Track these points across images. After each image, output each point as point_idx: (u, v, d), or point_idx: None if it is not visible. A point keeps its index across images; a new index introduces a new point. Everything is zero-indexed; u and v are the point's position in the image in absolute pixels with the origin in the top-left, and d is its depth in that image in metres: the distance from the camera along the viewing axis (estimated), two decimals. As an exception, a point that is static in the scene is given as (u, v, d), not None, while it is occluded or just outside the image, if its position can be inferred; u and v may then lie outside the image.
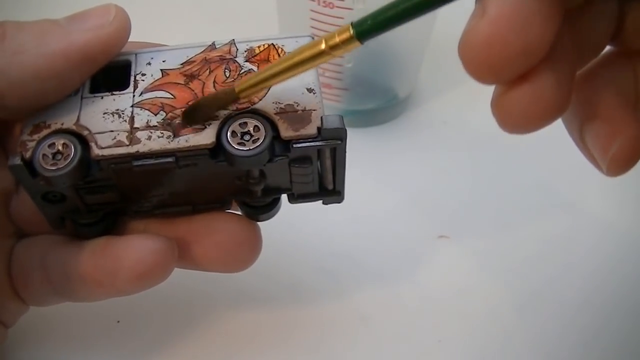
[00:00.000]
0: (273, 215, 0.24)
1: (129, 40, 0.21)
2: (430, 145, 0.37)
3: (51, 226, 0.23)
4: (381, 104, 0.37)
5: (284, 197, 0.24)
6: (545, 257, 0.32)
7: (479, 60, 0.16)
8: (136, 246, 0.22)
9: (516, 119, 0.18)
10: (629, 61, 0.20)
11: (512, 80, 0.17)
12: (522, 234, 0.32)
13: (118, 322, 0.29)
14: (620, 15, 0.19)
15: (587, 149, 0.20)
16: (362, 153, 0.33)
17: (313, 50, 0.18)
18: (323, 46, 0.18)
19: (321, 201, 0.24)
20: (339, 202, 0.24)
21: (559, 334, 0.29)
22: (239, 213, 0.24)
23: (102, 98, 0.21)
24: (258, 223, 0.24)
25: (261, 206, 0.24)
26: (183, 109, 0.21)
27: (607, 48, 0.21)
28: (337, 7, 0.31)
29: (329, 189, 0.23)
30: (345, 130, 0.20)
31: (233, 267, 0.24)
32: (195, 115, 0.21)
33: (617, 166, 0.19)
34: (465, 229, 0.33)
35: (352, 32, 0.17)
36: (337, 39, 0.18)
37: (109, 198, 0.22)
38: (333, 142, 0.20)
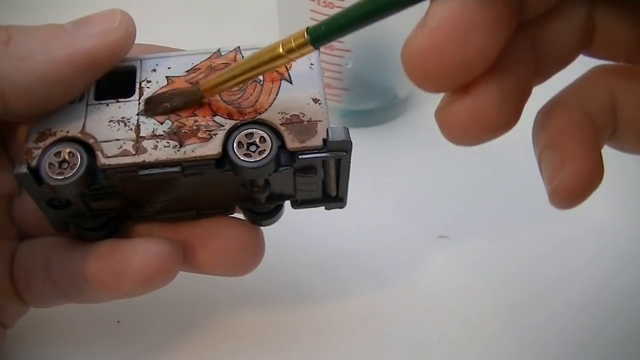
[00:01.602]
0: (276, 221, 0.24)
1: (137, 41, 0.21)
2: (430, 146, 0.37)
3: (55, 230, 0.23)
4: (381, 104, 0.37)
5: (287, 202, 0.24)
6: (545, 257, 0.32)
7: (417, 71, 0.16)
8: (142, 249, 0.22)
9: (456, 132, 0.17)
10: (604, 81, 0.19)
11: (454, 90, 0.17)
12: (522, 234, 0.33)
13: (118, 322, 0.29)
14: (588, 22, 0.18)
15: (541, 175, 0.19)
16: (362, 153, 0.33)
17: (271, 53, 0.19)
18: (280, 50, 0.18)
19: (324, 207, 0.24)
20: (342, 208, 0.24)
21: (558, 334, 0.29)
22: (243, 218, 0.24)
23: (107, 105, 0.21)
24: (261, 228, 0.24)
25: (264, 212, 0.24)
26: (146, 98, 0.21)
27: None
28: (337, 7, 0.31)
29: (332, 196, 0.23)
30: (351, 142, 0.20)
31: (236, 272, 0.24)
32: (154, 106, 0.21)
33: (558, 198, 0.18)
34: (465, 229, 0.33)
35: (306, 37, 0.18)
36: (292, 44, 0.18)
37: (114, 204, 0.22)
38: (338, 153, 0.20)
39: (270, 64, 0.19)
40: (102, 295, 0.23)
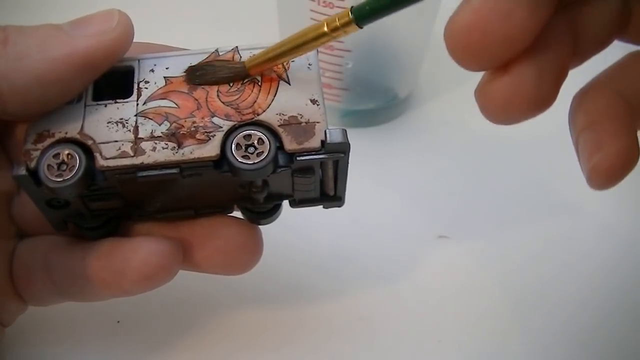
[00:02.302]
0: (274, 220, 0.24)
1: (135, 40, 0.21)
2: (430, 145, 0.37)
3: (54, 229, 0.23)
4: (381, 104, 0.37)
5: (285, 201, 0.24)
6: (545, 257, 0.32)
7: (460, 47, 0.17)
8: (143, 248, 0.22)
9: (495, 110, 0.18)
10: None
11: (495, 68, 0.17)
12: (522, 234, 0.33)
13: (118, 322, 0.29)
14: (625, 6, 0.19)
15: (578, 156, 0.20)
16: (362, 153, 0.33)
17: (316, 32, 0.19)
18: (325, 28, 0.19)
19: (322, 205, 0.24)
20: (340, 207, 0.24)
21: (558, 334, 0.29)
22: (241, 217, 0.24)
23: (105, 106, 0.21)
24: (260, 227, 0.24)
25: (263, 211, 0.24)
26: (186, 70, 0.21)
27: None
28: (337, 7, 0.31)
29: (330, 195, 0.23)
30: (349, 144, 0.20)
31: (234, 271, 0.24)
32: (196, 74, 0.21)
33: (597, 176, 0.18)
34: (465, 229, 0.33)
35: (351, 16, 0.18)
36: (337, 22, 0.19)
37: (113, 204, 0.22)
38: (336, 155, 0.20)
39: (315, 42, 0.20)
40: (102, 294, 0.23)
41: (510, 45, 0.17)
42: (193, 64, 0.22)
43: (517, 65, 0.17)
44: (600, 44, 0.20)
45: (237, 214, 0.24)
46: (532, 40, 0.17)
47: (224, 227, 0.23)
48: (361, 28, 0.19)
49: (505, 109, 0.18)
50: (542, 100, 0.18)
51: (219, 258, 0.23)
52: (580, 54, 0.20)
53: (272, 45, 0.21)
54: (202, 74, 0.21)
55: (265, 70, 0.21)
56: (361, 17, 0.18)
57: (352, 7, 0.18)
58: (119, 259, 0.22)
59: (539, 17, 0.16)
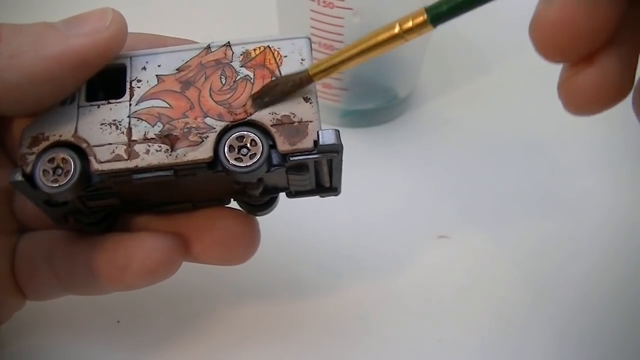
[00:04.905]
0: (271, 211, 0.25)
1: (130, 31, 0.21)
2: (430, 146, 0.37)
3: (55, 224, 0.23)
4: (381, 104, 0.37)
5: (281, 192, 0.24)
6: (545, 257, 0.32)
7: (548, 42, 0.17)
8: (147, 243, 0.22)
9: (582, 102, 0.18)
10: None
11: (578, 59, 0.18)
12: (522, 234, 0.32)
13: (118, 322, 0.29)
14: None
15: None
16: (362, 153, 0.34)
17: (387, 33, 0.19)
18: (397, 30, 0.18)
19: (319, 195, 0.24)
20: (336, 196, 0.24)
21: (558, 333, 0.29)
22: (238, 208, 0.24)
23: (98, 107, 0.21)
24: (257, 218, 0.24)
25: (259, 204, 0.24)
26: (252, 94, 0.21)
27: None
28: (337, 7, 0.31)
29: (326, 187, 0.23)
30: (342, 145, 0.20)
31: (231, 262, 0.24)
32: (264, 101, 0.21)
33: None
34: (465, 229, 0.33)
35: (426, 16, 0.18)
36: (410, 23, 0.18)
37: (110, 202, 0.23)
38: (329, 155, 0.20)
39: (387, 45, 0.19)
40: (105, 288, 0.23)
41: (595, 37, 0.17)
42: (254, 93, 0.21)
43: (601, 57, 0.18)
44: None
45: (234, 204, 0.25)
46: (613, 31, 0.17)
47: (221, 218, 0.24)
48: (435, 28, 0.18)
49: (593, 100, 0.18)
50: (625, 88, 0.18)
51: (216, 249, 0.24)
52: None
53: (339, 50, 0.20)
54: (269, 100, 0.21)
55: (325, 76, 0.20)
56: (437, 17, 0.18)
57: (425, 7, 0.18)
58: (122, 253, 0.22)
59: (620, 7, 0.17)
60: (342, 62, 0.20)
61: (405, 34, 0.18)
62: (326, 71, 0.20)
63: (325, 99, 0.36)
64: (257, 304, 0.30)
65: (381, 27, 0.19)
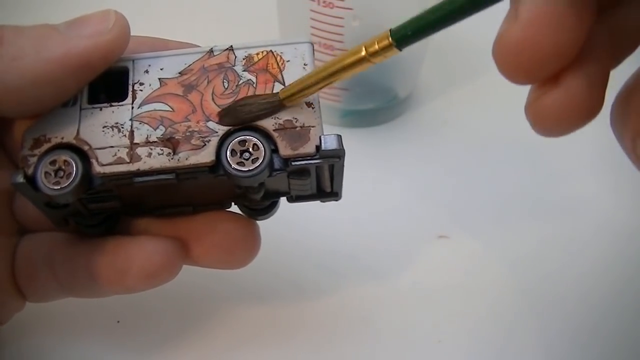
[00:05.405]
0: (271, 215, 0.25)
1: (132, 34, 0.21)
2: (430, 145, 0.37)
3: (55, 226, 0.23)
4: (381, 104, 0.37)
5: (282, 197, 0.24)
6: (545, 257, 0.32)
7: (512, 62, 0.17)
8: (147, 247, 0.22)
9: (549, 123, 0.18)
10: None
11: (544, 80, 0.18)
12: (522, 234, 0.33)
13: (118, 322, 0.29)
14: None
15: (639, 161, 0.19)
16: (362, 153, 0.33)
17: (354, 57, 0.18)
18: (363, 53, 0.18)
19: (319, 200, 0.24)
20: (337, 201, 0.24)
21: (558, 333, 0.29)
22: (239, 212, 0.24)
23: (101, 110, 0.21)
24: (257, 222, 0.24)
25: (260, 208, 0.24)
26: (219, 112, 0.21)
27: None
28: (337, 7, 0.31)
29: (327, 192, 0.23)
30: (344, 150, 0.20)
31: (232, 265, 0.24)
32: (229, 117, 0.21)
33: None
34: (465, 229, 0.33)
35: (390, 39, 0.18)
36: (376, 46, 0.18)
37: (111, 205, 0.23)
38: (331, 160, 0.20)
39: (353, 68, 0.19)
40: (105, 290, 0.23)
41: (561, 57, 0.17)
42: (220, 110, 0.21)
43: (567, 77, 0.17)
44: (634, 45, 0.20)
45: (235, 208, 0.24)
46: (579, 49, 0.17)
47: (221, 222, 0.24)
48: (400, 51, 0.18)
49: (560, 121, 0.18)
50: (594, 107, 0.18)
51: (217, 253, 0.24)
52: (617, 57, 0.20)
53: (308, 74, 0.20)
54: (235, 115, 0.21)
55: (297, 99, 0.21)
56: (401, 39, 0.18)
57: (390, 29, 0.18)
58: (123, 256, 0.22)
59: (585, 26, 0.17)
60: (312, 85, 0.20)
61: (371, 57, 0.18)
62: (295, 95, 0.20)
63: (325, 99, 0.36)
64: (258, 304, 0.30)
65: (348, 51, 0.19)
